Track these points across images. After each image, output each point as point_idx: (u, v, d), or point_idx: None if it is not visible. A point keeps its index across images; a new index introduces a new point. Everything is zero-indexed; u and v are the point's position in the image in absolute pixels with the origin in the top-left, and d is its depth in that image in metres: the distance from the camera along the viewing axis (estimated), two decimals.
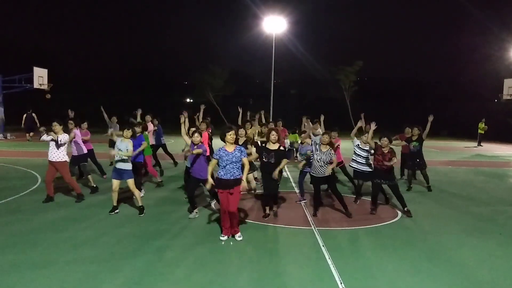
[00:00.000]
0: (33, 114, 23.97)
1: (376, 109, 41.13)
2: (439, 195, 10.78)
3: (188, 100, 57.45)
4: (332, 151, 8.18)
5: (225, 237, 6.69)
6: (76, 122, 10.46)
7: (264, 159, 7.83)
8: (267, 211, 8.14)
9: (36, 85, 25.09)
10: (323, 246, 6.45)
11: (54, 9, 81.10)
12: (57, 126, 8.66)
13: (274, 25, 31.95)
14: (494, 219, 8.48)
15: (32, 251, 5.94)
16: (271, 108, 32.52)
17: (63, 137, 8.69)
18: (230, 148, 6.71)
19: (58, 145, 8.61)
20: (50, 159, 8.72)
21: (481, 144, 26.64)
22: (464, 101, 42.00)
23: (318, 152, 8.20)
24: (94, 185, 10.12)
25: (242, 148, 6.87)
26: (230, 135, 6.72)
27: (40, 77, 25.53)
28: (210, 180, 6.81)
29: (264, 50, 40.65)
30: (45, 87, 25.86)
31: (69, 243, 6.32)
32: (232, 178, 6.58)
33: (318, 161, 8.15)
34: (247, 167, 6.81)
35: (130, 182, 8.10)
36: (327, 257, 5.97)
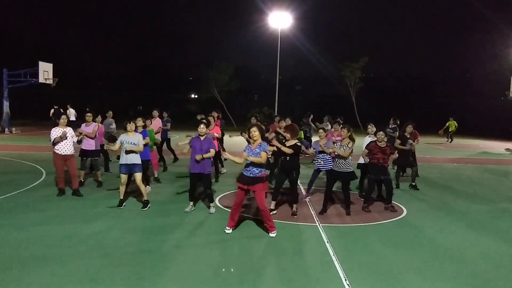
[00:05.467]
0: (61, 109, 23.65)
1: (381, 106, 41.07)
2: (444, 192, 10.71)
3: (193, 96, 57.45)
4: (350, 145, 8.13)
5: (230, 230, 6.74)
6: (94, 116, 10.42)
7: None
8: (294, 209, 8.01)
9: (41, 79, 25.18)
10: (327, 242, 6.41)
11: (59, 4, 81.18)
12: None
13: (280, 20, 31.82)
14: (500, 217, 8.42)
15: (36, 246, 5.94)
16: (276, 104, 32.45)
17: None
18: (254, 145, 6.68)
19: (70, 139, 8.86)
20: (65, 153, 8.68)
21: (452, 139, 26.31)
22: (470, 99, 41.72)
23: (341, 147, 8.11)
24: (101, 180, 10.14)
25: (263, 144, 6.68)
26: (253, 131, 6.66)
27: (45, 71, 25.62)
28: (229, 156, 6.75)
29: (270, 46, 40.63)
30: (50, 81, 25.93)
31: (74, 238, 6.32)
32: (251, 175, 6.56)
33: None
34: (262, 160, 6.53)
35: (139, 176, 8.06)
36: (331, 253, 5.94)
